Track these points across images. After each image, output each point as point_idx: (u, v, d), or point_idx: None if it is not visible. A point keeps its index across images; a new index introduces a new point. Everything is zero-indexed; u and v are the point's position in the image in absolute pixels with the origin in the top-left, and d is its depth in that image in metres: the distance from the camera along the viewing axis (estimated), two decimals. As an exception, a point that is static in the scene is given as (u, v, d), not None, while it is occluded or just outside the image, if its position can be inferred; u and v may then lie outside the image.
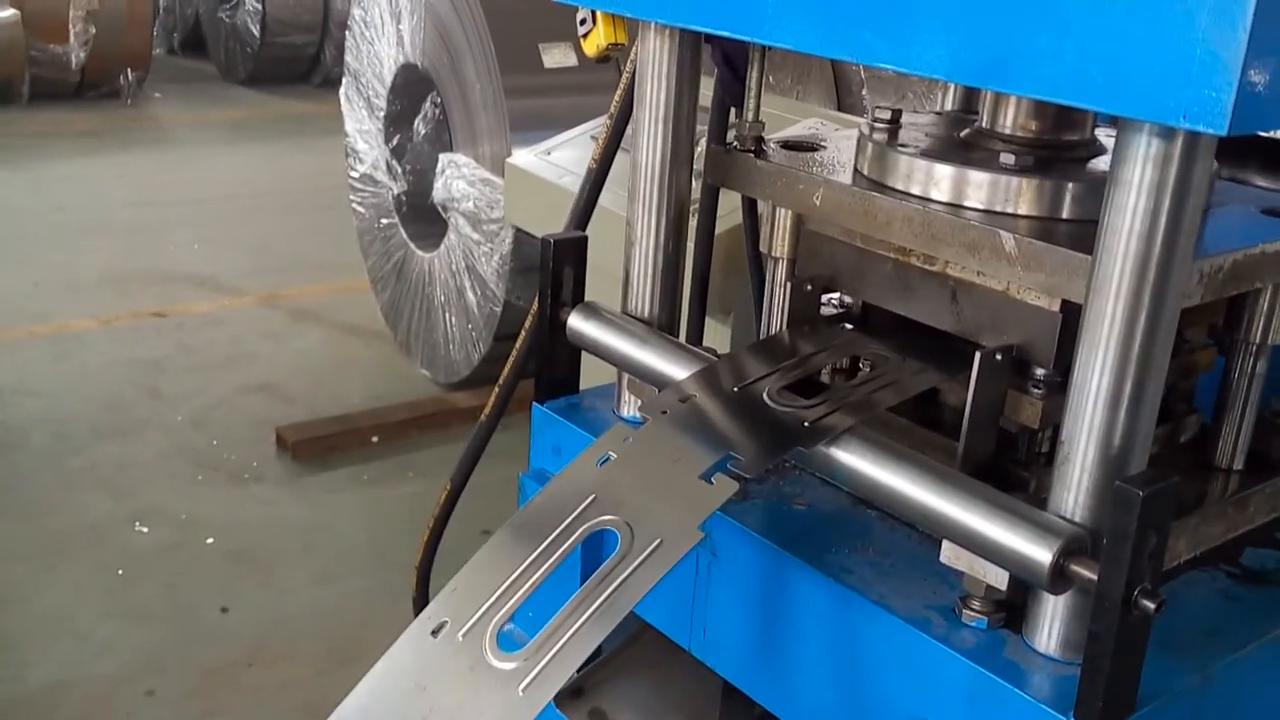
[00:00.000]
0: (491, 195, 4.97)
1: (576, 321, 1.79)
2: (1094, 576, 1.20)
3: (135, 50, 10.89)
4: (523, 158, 4.49)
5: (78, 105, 10.62)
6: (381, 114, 5.82)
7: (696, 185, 1.84)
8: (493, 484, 2.80)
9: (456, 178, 5.15)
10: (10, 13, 9.95)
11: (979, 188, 1.51)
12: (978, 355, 1.45)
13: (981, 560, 1.33)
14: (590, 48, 1.93)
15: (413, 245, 5.72)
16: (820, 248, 1.72)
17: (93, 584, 4.10)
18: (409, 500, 4.68)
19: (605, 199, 2.43)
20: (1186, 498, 1.54)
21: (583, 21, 1.92)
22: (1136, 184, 1.17)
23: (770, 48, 1.63)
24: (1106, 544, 1.19)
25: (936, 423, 1.65)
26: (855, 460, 1.41)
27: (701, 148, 1.86)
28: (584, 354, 1.85)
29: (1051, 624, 1.33)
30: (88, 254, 7.13)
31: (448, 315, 5.47)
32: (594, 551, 1.45)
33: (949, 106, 1.96)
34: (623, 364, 1.76)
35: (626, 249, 1.80)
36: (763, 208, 2.09)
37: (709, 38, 1.73)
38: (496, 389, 2.62)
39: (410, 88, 5.70)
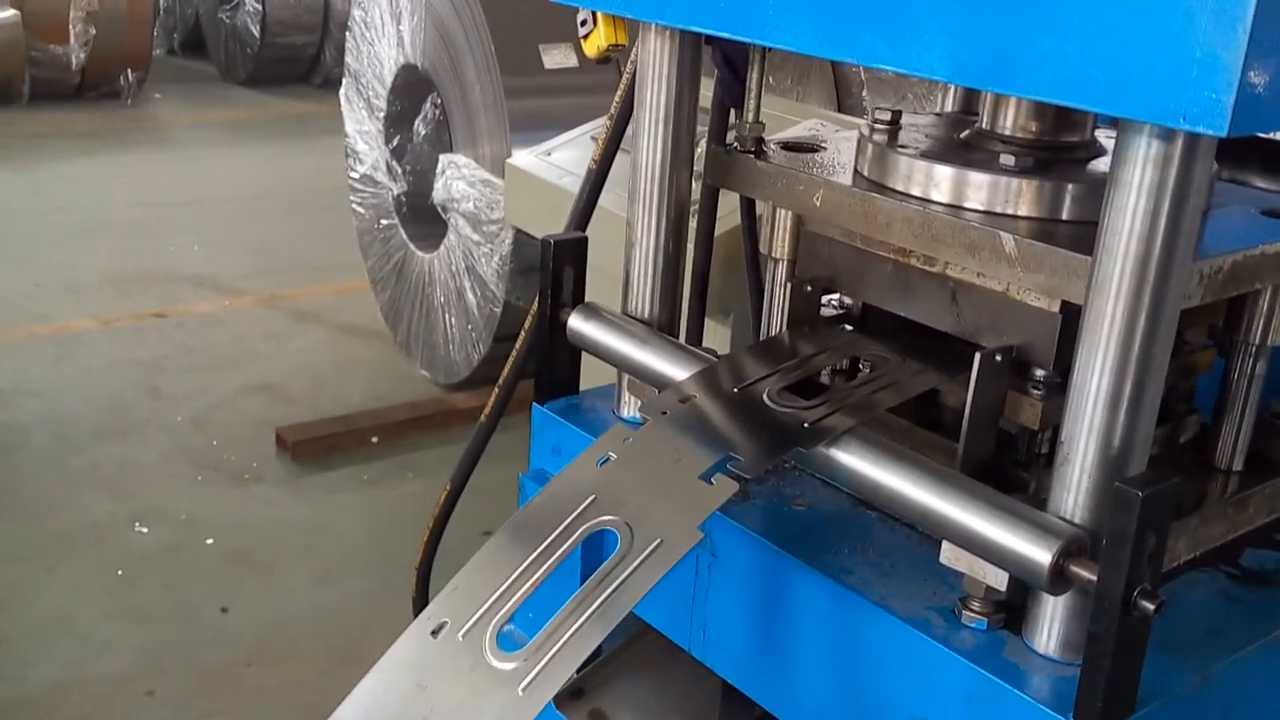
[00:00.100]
0: (491, 196, 4.97)
1: (576, 322, 1.79)
2: (1093, 577, 1.20)
3: (135, 51, 10.89)
4: (523, 158, 4.49)
5: (78, 106, 10.62)
6: (382, 115, 5.82)
7: (696, 186, 1.84)
8: (493, 484, 2.80)
9: (456, 178, 5.15)
10: (10, 13, 9.95)
11: (979, 189, 1.51)
12: (977, 356, 1.45)
13: (981, 561, 1.33)
14: (591, 49, 1.93)
15: (413, 246, 5.72)
16: (820, 249, 1.73)
17: (93, 584, 4.10)
18: (409, 500, 4.68)
19: (605, 200, 2.43)
20: (1186, 498, 1.54)
21: (583, 22, 1.92)
22: (1136, 185, 1.17)
23: (770, 49, 1.63)
24: (1106, 545, 1.19)
25: (936, 424, 1.65)
26: (855, 461, 1.41)
27: (702, 149, 1.86)
28: (584, 354, 1.85)
29: (1051, 625, 1.33)
30: (88, 254, 7.13)
31: (448, 316, 5.47)
32: (594, 552, 1.46)
33: (949, 108, 1.96)
34: (623, 364, 1.76)
35: (626, 250, 1.81)
36: (762, 209, 2.10)
37: (709, 39, 1.73)
38: (496, 389, 2.62)
39: (410, 88, 5.70)
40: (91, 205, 8.05)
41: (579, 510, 1.39)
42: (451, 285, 5.38)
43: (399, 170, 5.80)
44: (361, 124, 5.95)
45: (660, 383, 1.66)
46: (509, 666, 1.26)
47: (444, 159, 5.27)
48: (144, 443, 5.07)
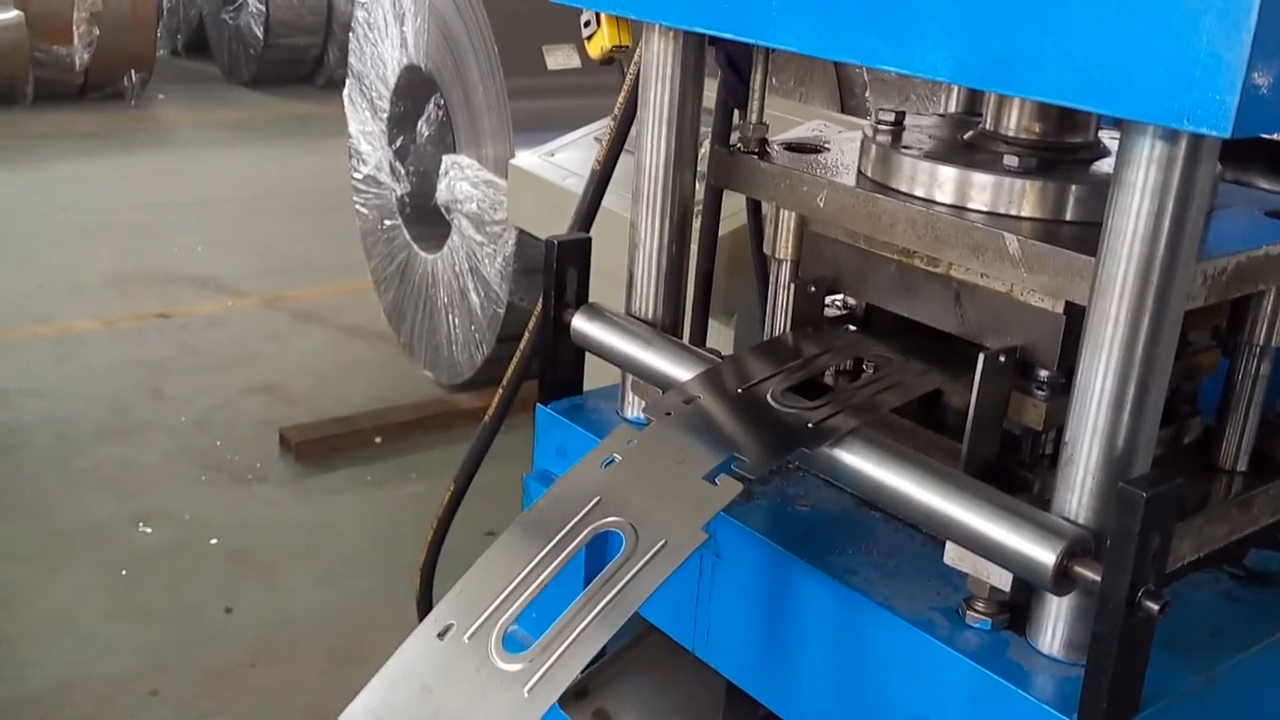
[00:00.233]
0: (495, 197, 4.98)
1: (580, 323, 1.80)
2: (1098, 578, 1.20)
3: (139, 51, 10.91)
4: (526, 159, 4.49)
5: (81, 106, 10.63)
6: (385, 116, 5.82)
7: (700, 187, 1.84)
8: (496, 485, 2.80)
9: (460, 179, 5.15)
10: (14, 14, 9.96)
11: (983, 190, 1.51)
12: (981, 357, 1.45)
13: (985, 562, 1.33)
14: (594, 50, 1.93)
15: (416, 247, 5.73)
16: (824, 249, 1.73)
17: (96, 585, 4.11)
18: (412, 501, 4.68)
19: (609, 201, 2.43)
20: (1190, 499, 1.54)
21: (587, 23, 1.92)
22: (1140, 186, 1.17)
23: (774, 50, 1.64)
24: (1110, 545, 1.19)
25: (940, 424, 1.66)
26: (859, 462, 1.41)
27: (705, 149, 1.86)
28: (588, 355, 1.85)
29: (1055, 625, 1.33)
30: (91, 255, 7.14)
31: (451, 316, 5.47)
32: (598, 553, 1.46)
33: (952, 109, 1.96)
34: (627, 365, 1.76)
35: (630, 250, 1.81)
36: (767, 209, 2.10)
37: (713, 40, 1.73)
38: (500, 390, 2.62)
39: (414, 89, 5.70)
40: (94, 206, 8.06)
41: (584, 511, 1.39)
42: (455, 286, 5.38)
43: (402, 171, 5.81)
44: (365, 125, 5.95)
45: (664, 383, 1.66)
46: (515, 668, 1.26)
47: (447, 160, 5.27)
48: (147, 443, 5.08)
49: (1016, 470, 1.53)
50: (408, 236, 5.79)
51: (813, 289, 1.73)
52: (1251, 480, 1.62)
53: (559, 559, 1.35)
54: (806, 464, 1.56)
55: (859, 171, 1.68)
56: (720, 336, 3.15)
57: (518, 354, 2.59)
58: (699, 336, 2.30)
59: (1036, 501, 1.40)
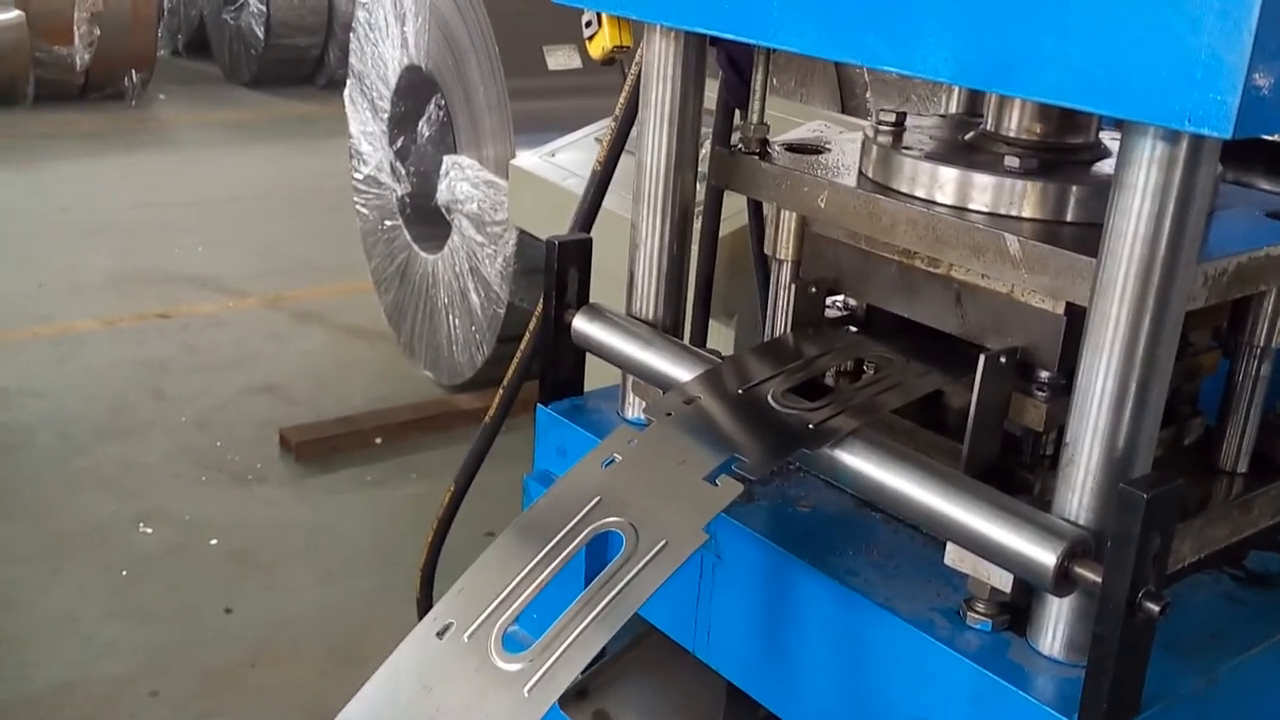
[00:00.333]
0: (495, 197, 4.98)
1: (581, 323, 1.80)
2: (1098, 579, 1.20)
3: (140, 52, 10.91)
4: (527, 160, 4.49)
5: (82, 106, 10.64)
6: (386, 116, 5.82)
7: (701, 188, 1.84)
8: (497, 485, 2.80)
9: (460, 180, 5.15)
10: (15, 14, 9.96)
11: (983, 190, 1.51)
12: (982, 358, 1.45)
13: (986, 563, 1.33)
14: (595, 50, 1.93)
15: (416, 247, 5.73)
16: (825, 250, 1.73)
17: (97, 585, 4.11)
18: (412, 502, 4.69)
19: (610, 201, 2.43)
20: (1191, 500, 1.54)
21: (588, 24, 1.92)
22: (1141, 187, 1.17)
23: (774, 50, 1.64)
24: (1111, 546, 1.19)
25: (941, 425, 1.65)
26: (860, 462, 1.41)
27: (706, 150, 1.86)
28: (588, 356, 1.85)
29: (1056, 626, 1.33)
30: (91, 255, 7.14)
31: (451, 317, 5.47)
32: (599, 553, 1.46)
33: (953, 109, 1.96)
34: (627, 366, 1.76)
35: (631, 251, 1.81)
36: (767, 210, 2.10)
37: (714, 40, 1.73)
38: (500, 390, 2.62)
39: (414, 90, 5.70)
40: (95, 206, 8.06)
41: (584, 511, 1.39)
42: (455, 286, 5.39)
43: (403, 171, 5.81)
44: (365, 125, 5.95)
45: (665, 384, 1.66)
46: (515, 668, 1.26)
47: (448, 160, 5.27)
48: (147, 443, 5.08)
49: (1017, 471, 1.53)
50: (408, 237, 5.79)
51: (813, 290, 1.73)
52: (1252, 481, 1.62)
53: (559, 559, 1.35)
54: (807, 465, 1.56)
55: (860, 172, 1.68)
56: (721, 337, 3.15)
57: (518, 354, 2.59)
58: (699, 337, 2.30)
59: (1037, 502, 1.40)
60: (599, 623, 1.27)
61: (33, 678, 3.63)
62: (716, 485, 1.38)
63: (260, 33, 11.54)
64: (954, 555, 1.36)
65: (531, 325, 2.58)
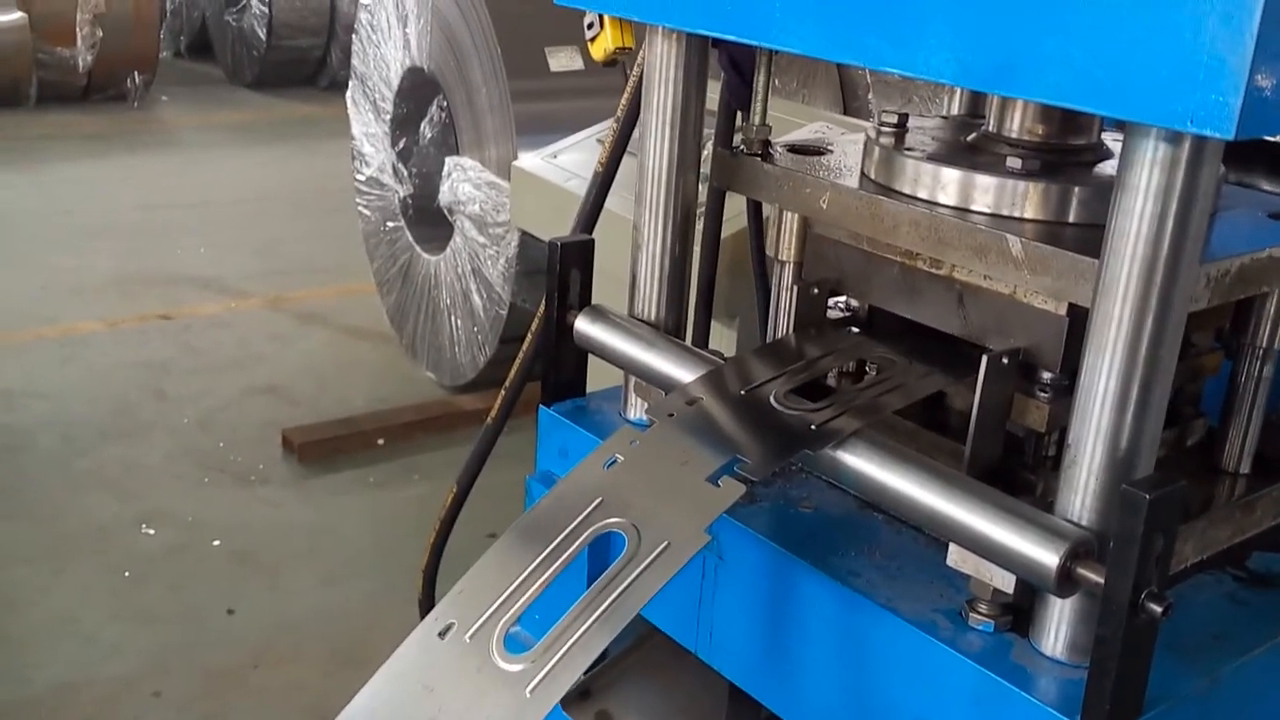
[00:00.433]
0: (497, 198, 4.98)
1: (583, 324, 1.80)
2: (1101, 580, 1.20)
3: (142, 53, 10.92)
4: (529, 161, 4.50)
5: (85, 108, 10.65)
6: (388, 117, 5.83)
7: (703, 189, 1.84)
8: (499, 486, 2.81)
9: (462, 181, 5.16)
10: (17, 15, 9.97)
11: (986, 192, 1.51)
12: (984, 359, 1.45)
13: (988, 564, 1.33)
14: (598, 52, 1.94)
15: (418, 248, 5.73)
16: (827, 251, 1.73)
17: (99, 586, 4.11)
18: (414, 503, 4.69)
19: (612, 202, 2.43)
20: (1193, 501, 1.54)
21: (590, 25, 1.93)
22: (1143, 188, 1.17)
23: (777, 52, 1.64)
24: (1113, 547, 1.19)
25: (943, 426, 1.65)
26: (862, 463, 1.41)
27: (708, 151, 1.86)
28: (590, 357, 1.85)
29: (1058, 627, 1.33)
30: (94, 256, 7.14)
31: (453, 318, 5.47)
32: (601, 554, 1.46)
33: (955, 110, 1.96)
34: (629, 367, 1.76)
35: (633, 252, 1.81)
36: (768, 211, 2.10)
37: (716, 42, 1.73)
38: (503, 392, 2.62)
39: (416, 91, 5.71)
40: (98, 207, 8.07)
41: (586, 512, 1.39)
42: (457, 287, 5.39)
43: (405, 173, 5.81)
44: (368, 126, 5.95)
45: (667, 385, 1.66)
46: (516, 668, 1.26)
47: (450, 161, 5.27)
48: (150, 444, 5.08)
49: (1019, 472, 1.53)
50: (410, 238, 5.79)
51: (815, 291, 1.73)
52: (1255, 482, 1.62)
53: (561, 559, 1.35)
54: (809, 466, 1.56)
55: (862, 173, 1.68)
56: (723, 338, 3.15)
57: (520, 355, 2.59)
58: (701, 338, 2.30)
59: (1039, 503, 1.40)
60: (601, 624, 1.27)
61: (34, 679, 3.63)
62: (719, 486, 1.38)
63: (262, 34, 11.55)
64: (956, 556, 1.36)
65: (534, 326, 2.58)
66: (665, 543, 1.33)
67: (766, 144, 1.75)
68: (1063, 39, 1.12)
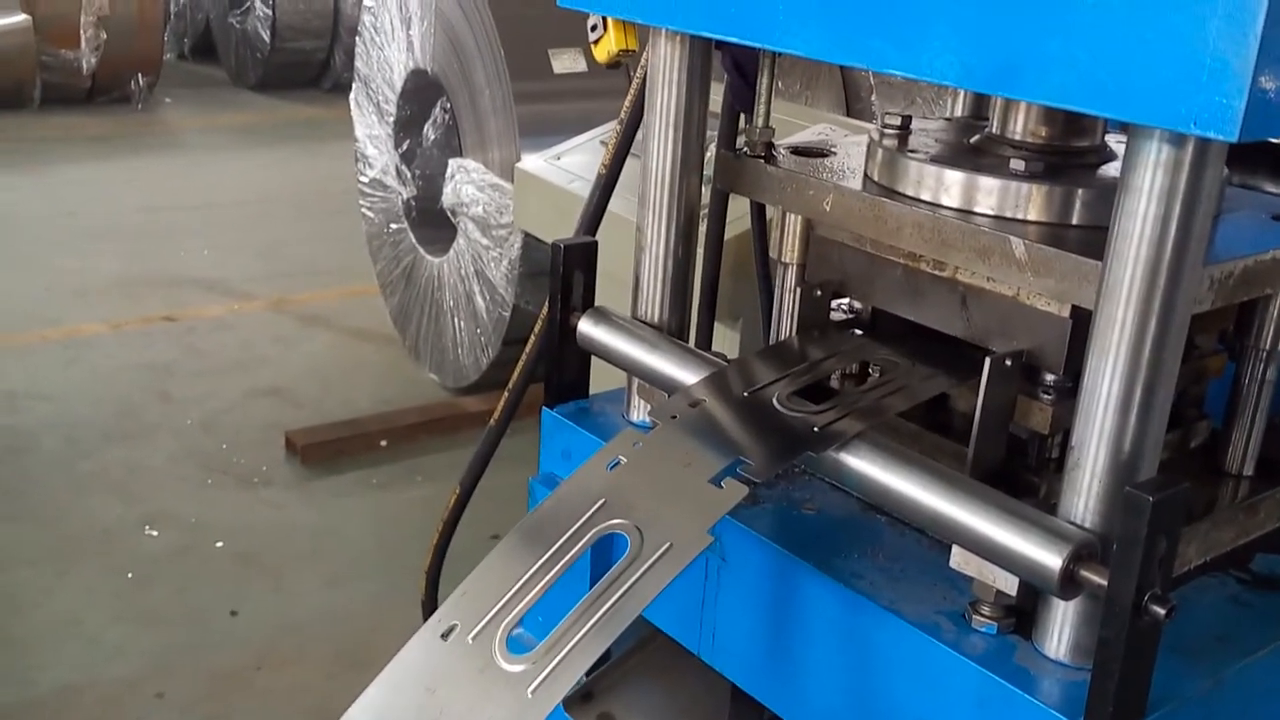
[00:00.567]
0: (501, 200, 4.98)
1: (586, 326, 1.80)
2: (1104, 582, 1.20)
3: (146, 55, 10.94)
4: (532, 163, 4.50)
5: (89, 110, 10.66)
6: (391, 119, 5.83)
7: (706, 191, 1.84)
8: (502, 488, 2.81)
9: (466, 183, 5.16)
10: (21, 18, 9.99)
11: (989, 193, 1.51)
12: (987, 361, 1.45)
13: (991, 566, 1.33)
14: (601, 54, 1.94)
15: (422, 250, 5.73)
16: (830, 253, 1.73)
17: (103, 587, 4.12)
18: (418, 504, 4.69)
19: (615, 204, 2.44)
20: (1197, 503, 1.54)
21: (594, 28, 1.93)
22: (1147, 190, 1.17)
23: (780, 54, 1.64)
24: (1116, 550, 1.19)
25: (946, 428, 1.65)
26: (865, 465, 1.41)
27: (711, 153, 1.86)
28: (593, 359, 1.85)
29: (1061, 629, 1.33)
30: (98, 258, 7.15)
31: (457, 320, 5.48)
32: (603, 555, 1.46)
33: (958, 112, 1.96)
34: (632, 369, 1.76)
35: (636, 254, 1.81)
36: (771, 213, 2.10)
37: (719, 44, 1.73)
38: (506, 393, 2.62)
39: (420, 93, 5.71)
40: (101, 209, 8.08)
41: (589, 514, 1.39)
42: (460, 289, 5.39)
43: (408, 175, 5.82)
44: (371, 128, 5.96)
45: (670, 387, 1.66)
46: (518, 669, 1.26)
47: (453, 163, 5.28)
48: (153, 446, 5.09)
49: (1023, 474, 1.53)
50: (414, 240, 5.80)
51: (818, 293, 1.73)
52: (1258, 484, 1.61)
53: (564, 561, 1.35)
54: (812, 468, 1.56)
55: (865, 175, 1.68)
56: (726, 340, 3.15)
57: (523, 357, 2.59)
58: (704, 340, 2.30)
59: (1043, 505, 1.39)
60: (603, 625, 1.28)
61: (38, 680, 3.64)
62: (721, 488, 1.38)
63: (266, 36, 11.56)
64: (959, 558, 1.36)
65: (537, 328, 2.58)
66: (668, 544, 1.33)
67: (770, 146, 1.75)
68: (1066, 41, 1.12)
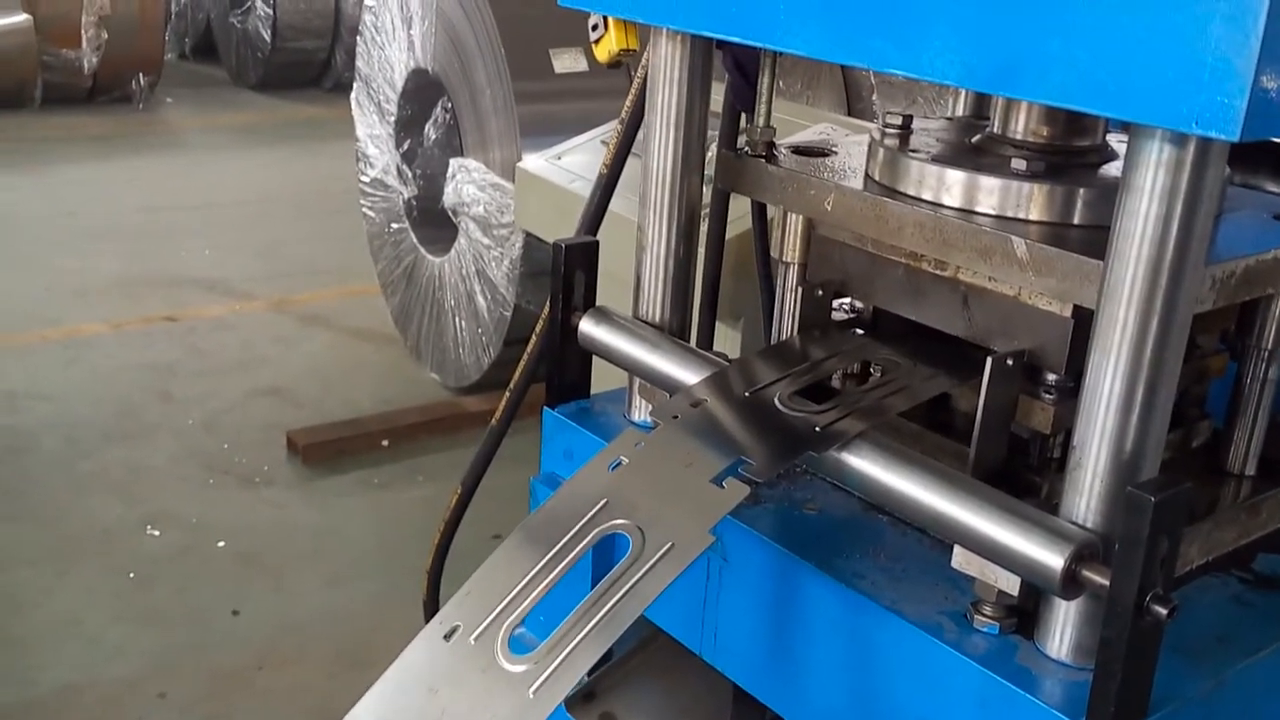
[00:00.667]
0: (502, 200, 4.98)
1: (588, 326, 1.80)
2: (1106, 582, 1.20)
3: (147, 55, 10.93)
4: (533, 162, 4.50)
5: (90, 110, 10.66)
6: (392, 119, 5.83)
7: (707, 190, 1.84)
8: (504, 488, 2.81)
9: (467, 182, 5.16)
10: (23, 17, 9.99)
11: (990, 193, 1.51)
12: (989, 361, 1.45)
13: (993, 566, 1.33)
14: (602, 53, 1.94)
15: (423, 250, 5.73)
16: (831, 253, 1.73)
17: (104, 587, 4.11)
18: (419, 504, 4.69)
19: (616, 204, 2.44)
20: (1199, 503, 1.54)
21: (595, 27, 1.93)
22: (1148, 189, 1.17)
23: (781, 53, 1.64)
24: (1118, 550, 1.19)
25: (948, 428, 1.65)
26: (866, 465, 1.41)
27: (713, 153, 1.86)
28: (595, 358, 1.85)
29: (1063, 629, 1.33)
30: (98, 258, 7.15)
31: (458, 319, 5.48)
32: (605, 555, 1.46)
33: (960, 112, 1.96)
34: (634, 368, 1.76)
35: (638, 254, 1.81)
36: (772, 213, 2.10)
37: (720, 43, 1.73)
38: (507, 393, 2.62)
39: (421, 93, 5.71)
40: (102, 209, 8.07)
41: (591, 514, 1.39)
42: (462, 289, 5.39)
43: (409, 174, 5.82)
44: (372, 128, 5.96)
45: (671, 387, 1.66)
46: (520, 669, 1.26)
47: (454, 163, 5.28)
48: (154, 446, 5.09)
49: (1024, 474, 1.53)
50: (415, 239, 5.80)
51: (820, 292, 1.73)
52: (1260, 484, 1.61)
53: (565, 561, 1.35)
54: (814, 468, 1.56)
55: (866, 175, 1.68)
56: (727, 340, 3.15)
57: (525, 357, 2.59)
58: (706, 340, 2.30)
59: (1044, 505, 1.40)
60: (605, 625, 1.28)
61: (39, 680, 3.64)
62: (723, 488, 1.38)
63: (267, 36, 11.56)
64: (961, 558, 1.36)
65: (538, 328, 2.58)
66: (669, 544, 1.33)
67: (771, 145, 1.75)
68: (1067, 40, 1.12)
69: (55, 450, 5.00)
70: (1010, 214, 1.50)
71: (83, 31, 10.29)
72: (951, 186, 1.54)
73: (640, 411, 1.84)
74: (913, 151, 1.61)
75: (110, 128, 10.24)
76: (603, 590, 1.30)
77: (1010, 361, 1.46)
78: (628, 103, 2.39)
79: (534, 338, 2.60)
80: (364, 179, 6.05)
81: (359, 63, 6.03)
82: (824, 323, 1.75)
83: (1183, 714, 1.31)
